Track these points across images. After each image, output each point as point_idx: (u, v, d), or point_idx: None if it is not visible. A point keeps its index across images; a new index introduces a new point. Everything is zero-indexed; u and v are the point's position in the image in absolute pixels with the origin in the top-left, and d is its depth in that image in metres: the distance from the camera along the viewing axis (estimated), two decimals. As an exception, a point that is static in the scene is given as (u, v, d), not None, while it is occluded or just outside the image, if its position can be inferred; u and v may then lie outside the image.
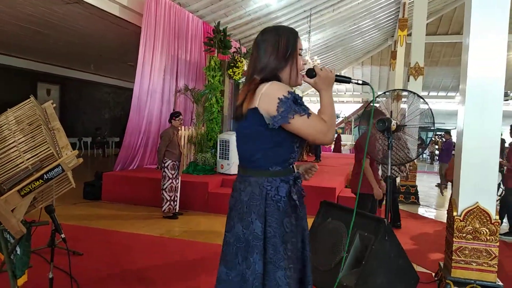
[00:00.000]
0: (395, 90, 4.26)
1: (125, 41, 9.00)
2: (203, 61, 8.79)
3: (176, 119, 5.56)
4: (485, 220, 2.96)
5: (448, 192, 9.45)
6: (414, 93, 3.98)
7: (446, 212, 6.93)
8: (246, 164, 1.53)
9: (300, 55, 1.55)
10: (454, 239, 3.01)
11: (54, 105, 3.05)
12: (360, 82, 1.63)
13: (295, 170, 1.55)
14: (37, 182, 1.81)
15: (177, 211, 5.58)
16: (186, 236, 4.69)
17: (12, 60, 11.66)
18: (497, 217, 2.97)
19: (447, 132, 11.10)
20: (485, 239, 2.96)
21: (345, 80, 1.60)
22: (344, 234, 2.97)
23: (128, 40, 8.77)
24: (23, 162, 1.90)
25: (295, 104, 1.39)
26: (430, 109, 3.83)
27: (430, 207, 7.54)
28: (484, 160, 3.00)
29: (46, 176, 1.83)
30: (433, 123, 3.95)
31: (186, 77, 8.45)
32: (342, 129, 23.47)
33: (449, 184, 10.35)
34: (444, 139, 10.67)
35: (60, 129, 2.50)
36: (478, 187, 3.00)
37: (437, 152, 17.30)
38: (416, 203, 7.54)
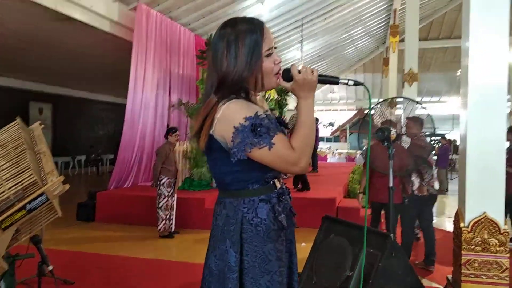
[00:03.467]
0: (393, 98, 4.19)
1: (117, 57, 8.88)
2: (196, 75, 8.71)
3: (173, 134, 5.44)
4: (493, 231, 2.85)
5: (449, 199, 9.34)
6: (410, 99, 3.90)
7: (446, 219, 6.80)
8: (220, 186, 1.33)
9: (270, 53, 1.26)
10: (462, 252, 2.89)
11: (43, 126, 2.93)
12: (350, 82, 1.31)
13: (278, 186, 1.33)
14: (19, 213, 1.68)
15: (173, 230, 5.41)
16: (184, 256, 4.54)
17: (2, 79, 11.53)
18: (506, 226, 2.87)
19: (443, 137, 11.05)
20: (495, 250, 2.84)
21: (332, 81, 1.31)
22: (348, 251, 2.84)
23: (119, 56, 8.66)
24: (4, 192, 1.77)
25: (253, 133, 1.16)
26: (430, 115, 3.75)
27: (431, 214, 7.41)
28: (489, 167, 2.90)
29: (29, 206, 1.71)
30: (434, 128, 3.86)
31: (179, 91, 8.36)
32: (337, 138, 23.42)
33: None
34: (440, 144, 10.62)
35: (46, 153, 2.37)
36: (485, 196, 2.90)
37: (434, 157, 17.24)
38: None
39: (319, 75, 1.25)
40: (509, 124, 7.63)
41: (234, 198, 1.27)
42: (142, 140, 7.46)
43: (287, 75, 1.26)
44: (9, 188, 1.79)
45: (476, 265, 2.87)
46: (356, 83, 1.32)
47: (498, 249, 2.84)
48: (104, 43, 7.90)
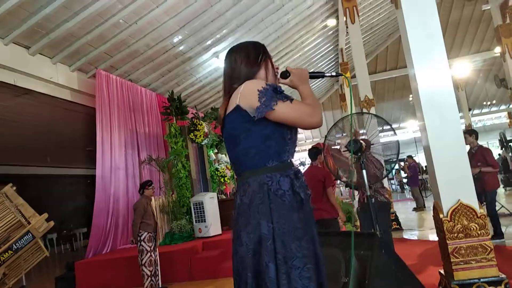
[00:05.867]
0: (356, 113, 4.43)
1: (80, 126, 8.87)
2: (163, 131, 8.80)
3: (149, 188, 5.40)
4: (471, 216, 2.98)
5: (427, 214, 9.55)
6: (370, 113, 4.16)
7: (429, 231, 6.94)
8: (242, 168, 1.48)
9: (271, 58, 1.61)
10: (447, 241, 2.98)
11: (14, 187, 2.90)
12: (334, 73, 1.69)
13: (294, 166, 1.50)
14: (6, 254, 1.64)
15: (160, 286, 5.19)
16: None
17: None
18: (482, 210, 3.00)
19: (410, 156, 11.50)
20: (476, 234, 2.96)
21: (319, 75, 1.66)
22: (341, 259, 2.86)
23: (83, 124, 8.66)
24: (-13, 236, 1.73)
25: (275, 92, 1.41)
26: (398, 141, 3.98)
27: (413, 229, 7.55)
28: (455, 160, 3.09)
29: (16, 245, 1.67)
30: (398, 154, 4.06)
31: (148, 148, 8.36)
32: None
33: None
34: (408, 163, 11.04)
35: (24, 204, 2.34)
36: (456, 185, 3.06)
37: (405, 180, 17.76)
38: (399, 228, 7.53)
39: (309, 72, 1.59)
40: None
41: (256, 175, 1.41)
42: (116, 203, 7.28)
43: (284, 74, 1.57)
44: (-8, 233, 1.75)
45: (463, 251, 2.95)
46: (338, 74, 1.73)
47: (479, 232, 2.96)
48: (67, 113, 7.92)
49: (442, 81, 3.16)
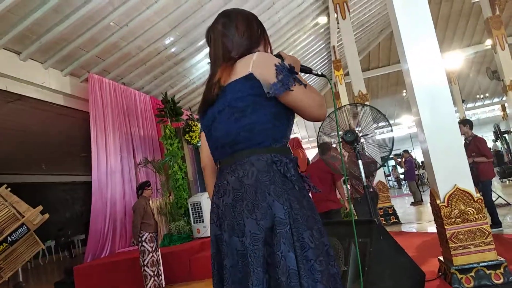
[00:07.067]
0: (348, 104, 4.44)
1: (75, 131, 8.82)
2: (158, 133, 8.77)
3: (148, 188, 5.36)
4: (468, 200, 2.98)
5: (424, 207, 9.58)
6: (362, 104, 4.17)
7: (428, 223, 6.95)
8: (241, 146, 1.27)
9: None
10: (445, 227, 2.99)
11: (9, 188, 2.87)
12: (319, 73, 1.61)
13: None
14: (1, 246, 1.62)
15: (164, 285, 5.16)
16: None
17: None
18: (479, 194, 3.01)
19: (406, 151, 11.54)
20: (474, 218, 2.96)
21: (307, 70, 1.56)
22: (340, 248, 2.85)
23: (77, 129, 8.60)
24: (-19, 231, 1.71)
25: (291, 73, 1.26)
26: (393, 137, 4.01)
27: (412, 223, 7.55)
28: (451, 146, 3.11)
29: (10, 238, 1.65)
30: (391, 150, 4.07)
31: (143, 151, 8.33)
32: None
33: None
34: (404, 157, 11.09)
35: (19, 201, 2.33)
36: (452, 170, 3.07)
37: (401, 176, 17.80)
38: (398, 222, 7.54)
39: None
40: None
41: (262, 154, 1.25)
42: (113, 207, 7.24)
43: (278, 57, 1.41)
44: (-14, 228, 1.73)
45: (461, 236, 2.96)
46: (322, 75, 1.60)
47: (476, 216, 2.96)
48: (60, 118, 7.87)
49: (436, 74, 3.17)
